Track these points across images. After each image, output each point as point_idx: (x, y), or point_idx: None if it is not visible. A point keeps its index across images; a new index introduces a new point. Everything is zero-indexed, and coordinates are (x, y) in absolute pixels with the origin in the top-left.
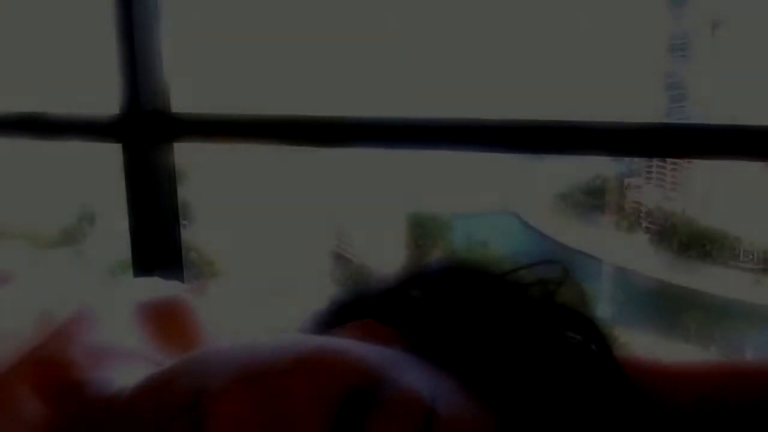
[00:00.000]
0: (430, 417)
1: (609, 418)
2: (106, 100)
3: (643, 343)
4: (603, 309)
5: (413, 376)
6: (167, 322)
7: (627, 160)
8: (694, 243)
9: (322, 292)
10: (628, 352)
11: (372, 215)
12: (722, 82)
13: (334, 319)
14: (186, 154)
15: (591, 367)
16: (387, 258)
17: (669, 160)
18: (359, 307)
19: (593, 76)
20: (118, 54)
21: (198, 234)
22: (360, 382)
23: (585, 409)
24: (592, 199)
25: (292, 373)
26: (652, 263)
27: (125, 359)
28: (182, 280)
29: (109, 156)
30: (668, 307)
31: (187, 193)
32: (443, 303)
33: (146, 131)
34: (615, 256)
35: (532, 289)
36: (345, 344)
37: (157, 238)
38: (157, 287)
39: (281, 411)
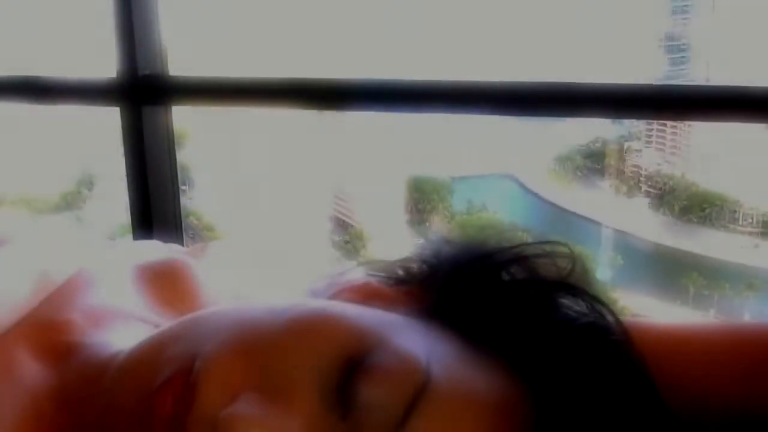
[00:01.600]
0: (424, 380)
1: (612, 395)
2: (103, 63)
3: (642, 306)
4: (603, 272)
5: (409, 340)
6: (166, 284)
7: (627, 123)
8: (694, 207)
9: (321, 255)
10: (630, 316)
11: (372, 179)
12: (723, 44)
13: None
14: (185, 118)
15: (601, 345)
16: (387, 221)
17: (669, 123)
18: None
19: (594, 38)
20: (115, 17)
21: (197, 199)
22: (354, 346)
23: (592, 387)
24: (591, 163)
25: (286, 337)
26: (651, 227)
27: (123, 321)
28: (181, 244)
29: (108, 120)
30: (667, 270)
31: (186, 157)
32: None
33: (144, 94)
34: (614, 219)
35: (538, 262)
36: (340, 308)
37: (155, 202)
38: (155, 250)
39: (274, 375)
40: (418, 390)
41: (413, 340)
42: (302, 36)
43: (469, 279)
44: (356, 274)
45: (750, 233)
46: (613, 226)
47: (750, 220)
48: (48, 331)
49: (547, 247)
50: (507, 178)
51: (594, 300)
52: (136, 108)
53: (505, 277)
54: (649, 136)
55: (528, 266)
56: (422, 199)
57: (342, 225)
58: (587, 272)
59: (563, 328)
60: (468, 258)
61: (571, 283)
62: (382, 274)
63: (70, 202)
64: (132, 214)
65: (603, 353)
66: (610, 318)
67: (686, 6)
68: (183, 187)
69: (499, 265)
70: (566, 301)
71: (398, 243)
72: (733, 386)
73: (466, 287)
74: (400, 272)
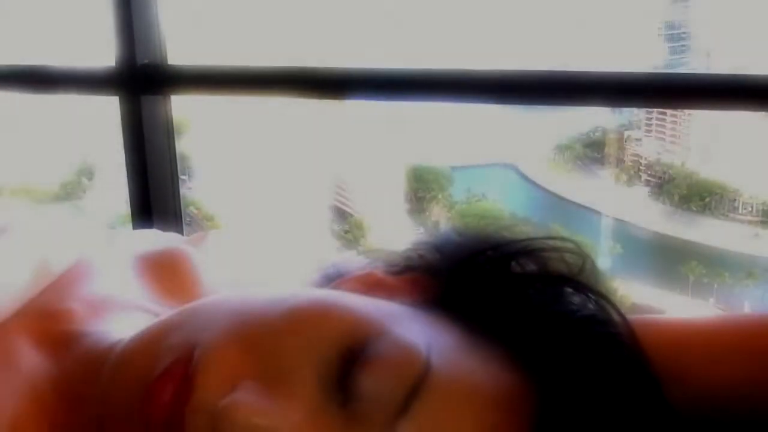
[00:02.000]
0: (425, 370)
1: (612, 387)
2: (102, 52)
3: (642, 295)
4: (602, 261)
5: (410, 330)
6: (166, 273)
7: (627, 112)
8: (694, 195)
9: (321, 245)
10: (632, 309)
11: (372, 168)
12: (723, 32)
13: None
14: (185, 108)
15: (601, 336)
16: (386, 211)
17: (669, 112)
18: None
19: (594, 26)
20: (114, 5)
21: (197, 188)
22: (354, 336)
23: (592, 378)
24: (591, 152)
25: (285, 326)
26: (651, 215)
27: (123, 310)
28: (181, 234)
29: (108, 110)
30: (667, 259)
31: (186, 147)
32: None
33: (143, 83)
34: (614, 208)
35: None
36: (341, 298)
37: (155, 192)
38: (155, 239)
39: (274, 364)
40: (418, 380)
41: (414, 330)
42: (301, 24)
43: (477, 268)
44: (358, 263)
45: (750, 222)
46: (613, 215)
47: (750, 209)
48: (48, 320)
49: (558, 243)
50: (507, 168)
51: (599, 296)
52: (135, 97)
53: (515, 268)
54: (649, 125)
55: (537, 260)
56: (422, 188)
57: (342, 214)
58: (596, 270)
59: (564, 319)
60: (476, 248)
61: (578, 278)
62: (385, 264)
63: (69, 192)
64: (132, 203)
65: (603, 345)
66: (613, 312)
67: None
68: (182, 177)
69: (508, 257)
70: (573, 297)
71: (398, 232)
72: (736, 380)
73: (474, 276)
74: (404, 261)
